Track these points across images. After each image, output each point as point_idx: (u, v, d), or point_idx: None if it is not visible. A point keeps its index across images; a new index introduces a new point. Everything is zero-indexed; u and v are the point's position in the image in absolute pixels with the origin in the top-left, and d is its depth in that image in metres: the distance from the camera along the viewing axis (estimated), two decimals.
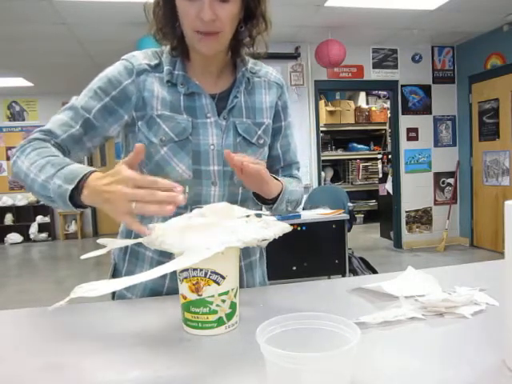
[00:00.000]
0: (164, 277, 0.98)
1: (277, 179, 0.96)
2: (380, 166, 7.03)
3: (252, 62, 1.06)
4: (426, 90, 5.82)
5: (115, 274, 1.07)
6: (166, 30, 0.95)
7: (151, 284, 0.99)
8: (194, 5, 0.86)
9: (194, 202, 0.92)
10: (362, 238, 6.73)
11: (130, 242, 0.81)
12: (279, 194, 0.95)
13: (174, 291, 0.97)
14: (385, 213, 6.50)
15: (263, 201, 0.98)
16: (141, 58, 0.98)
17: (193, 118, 0.96)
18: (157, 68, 0.97)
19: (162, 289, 1.00)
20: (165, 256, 0.96)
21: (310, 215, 3.70)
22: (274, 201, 0.96)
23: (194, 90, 0.97)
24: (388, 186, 6.27)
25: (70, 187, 0.75)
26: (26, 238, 7.81)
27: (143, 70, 0.96)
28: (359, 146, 8.08)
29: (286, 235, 0.75)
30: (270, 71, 1.09)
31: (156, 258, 0.99)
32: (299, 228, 3.47)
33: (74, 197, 0.76)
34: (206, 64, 0.98)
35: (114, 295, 1.05)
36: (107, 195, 0.69)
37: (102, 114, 0.95)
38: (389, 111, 6.86)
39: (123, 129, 0.99)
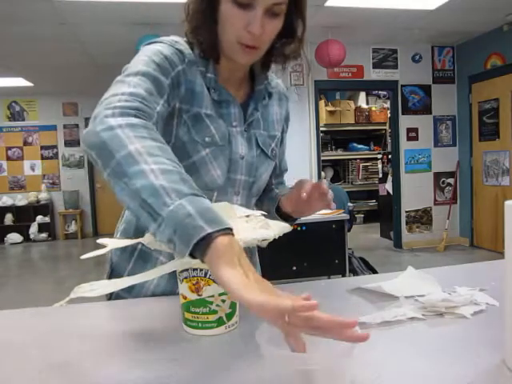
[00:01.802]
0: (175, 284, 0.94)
1: None
2: (380, 166, 7.04)
3: (282, 69, 1.00)
4: (426, 89, 5.82)
5: (112, 275, 1.01)
6: (202, 32, 0.86)
7: (161, 290, 0.95)
8: (245, 15, 0.79)
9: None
10: (362, 237, 6.72)
11: (130, 242, 0.81)
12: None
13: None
14: (385, 213, 6.50)
15: (286, 217, 1.01)
16: (187, 47, 0.88)
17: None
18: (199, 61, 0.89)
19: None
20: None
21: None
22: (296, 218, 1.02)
23: (225, 98, 0.92)
24: (388, 186, 6.28)
25: (210, 230, 0.54)
26: (26, 238, 7.81)
27: (193, 61, 0.87)
28: (359, 146, 8.08)
29: (286, 235, 0.75)
30: (279, 82, 1.07)
31: (165, 261, 0.93)
32: (299, 228, 3.47)
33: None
34: (232, 71, 0.93)
35: (110, 296, 0.98)
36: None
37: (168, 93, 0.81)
38: (389, 111, 6.86)
39: None
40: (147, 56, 0.81)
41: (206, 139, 0.89)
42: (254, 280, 0.53)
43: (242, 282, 0.51)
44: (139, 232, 0.96)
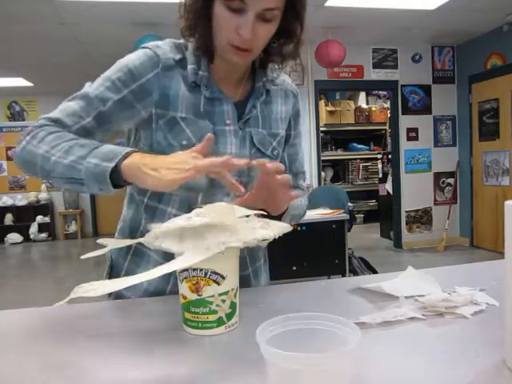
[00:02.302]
0: (167, 281, 0.96)
1: None
2: (380, 165, 7.04)
3: (269, 69, 1.00)
4: (426, 89, 5.82)
5: (112, 273, 1.03)
6: (197, 29, 0.88)
7: (153, 288, 0.97)
8: (236, 18, 0.81)
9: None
10: (362, 237, 6.72)
11: (130, 241, 0.81)
12: (284, 212, 0.92)
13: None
14: (385, 213, 6.50)
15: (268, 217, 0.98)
16: (167, 50, 0.91)
17: (212, 123, 0.92)
18: (181, 63, 0.91)
19: (165, 293, 0.97)
20: (170, 259, 0.95)
21: (309, 215, 3.70)
22: (278, 218, 0.95)
23: (218, 96, 0.92)
24: (388, 186, 6.27)
25: (111, 165, 0.73)
26: (26, 238, 7.81)
27: (170, 65, 0.89)
28: (359, 146, 8.08)
29: (286, 235, 0.74)
30: (287, 79, 1.05)
31: (160, 261, 0.95)
32: (299, 228, 3.47)
33: (112, 176, 0.75)
34: (229, 69, 0.93)
35: (110, 294, 1.00)
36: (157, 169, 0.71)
37: (117, 108, 0.88)
38: (389, 111, 6.86)
39: (135, 123, 0.93)
40: (111, 70, 0.90)
41: (183, 142, 0.89)
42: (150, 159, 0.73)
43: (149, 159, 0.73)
44: (134, 230, 0.98)
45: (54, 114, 0.86)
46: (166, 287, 0.96)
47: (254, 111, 0.97)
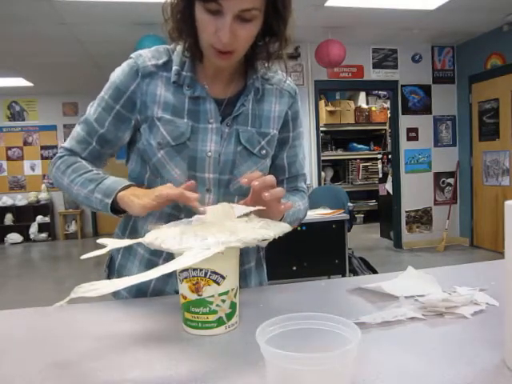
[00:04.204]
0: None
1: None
2: (380, 165, 7.04)
3: (260, 67, 0.99)
4: (426, 90, 5.82)
5: (111, 264, 1.08)
6: (183, 30, 0.89)
7: (137, 284, 0.98)
8: (215, 21, 0.81)
9: (187, 207, 0.89)
10: (362, 237, 6.72)
11: (130, 242, 0.81)
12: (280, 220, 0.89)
13: (159, 292, 0.98)
14: (385, 213, 6.50)
15: None
16: (148, 57, 0.95)
17: (194, 122, 0.94)
18: (165, 66, 0.95)
19: (147, 290, 0.99)
20: (156, 255, 0.97)
21: (309, 215, 3.70)
22: None
23: (200, 94, 0.94)
24: (388, 186, 6.28)
25: (109, 201, 0.88)
26: (26, 238, 7.81)
27: (148, 72, 0.94)
28: (359, 146, 8.08)
29: (286, 235, 0.74)
30: (284, 79, 1.04)
31: (147, 256, 0.99)
32: (299, 228, 3.47)
33: (114, 206, 0.89)
34: (218, 68, 0.94)
35: (114, 294, 1.03)
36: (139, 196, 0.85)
37: (115, 125, 0.96)
38: (389, 111, 6.86)
39: (131, 133, 1.00)
40: (104, 89, 0.97)
41: (160, 141, 0.93)
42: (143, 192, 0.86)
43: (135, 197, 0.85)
44: (132, 229, 1.03)
45: (68, 143, 1.01)
46: (149, 283, 0.99)
47: (244, 109, 0.97)
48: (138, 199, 0.83)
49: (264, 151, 0.99)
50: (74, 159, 0.97)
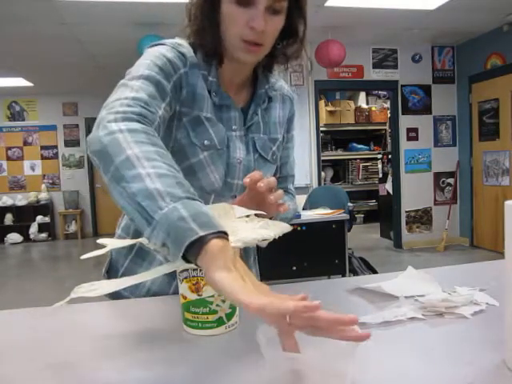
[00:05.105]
0: (170, 283, 0.96)
1: None
2: (380, 165, 7.04)
3: (272, 73, 1.00)
4: (426, 89, 5.82)
5: (110, 269, 1.03)
6: (205, 35, 0.86)
7: (156, 287, 0.97)
8: (246, 13, 0.80)
9: None
10: (362, 237, 6.72)
11: (130, 241, 0.81)
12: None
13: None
14: (385, 213, 6.50)
15: None
16: (187, 49, 0.88)
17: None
18: (199, 63, 0.89)
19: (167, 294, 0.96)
20: None
21: (309, 215, 3.70)
22: None
23: (225, 102, 0.92)
24: (388, 186, 6.28)
25: (201, 233, 0.54)
26: (26, 238, 7.81)
27: (195, 63, 0.87)
28: (359, 146, 8.08)
29: (286, 235, 0.74)
30: (283, 84, 1.06)
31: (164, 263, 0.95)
32: (299, 228, 3.47)
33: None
34: (233, 74, 0.93)
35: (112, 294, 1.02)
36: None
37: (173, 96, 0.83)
38: (389, 111, 6.86)
39: None
40: (150, 59, 0.81)
41: (205, 142, 0.89)
42: (251, 283, 0.52)
43: (238, 284, 0.50)
44: (137, 230, 0.97)
45: (138, 93, 0.74)
46: (168, 288, 0.97)
47: (256, 117, 0.98)
48: (243, 290, 0.50)
49: (275, 156, 1.02)
50: (155, 138, 0.68)
